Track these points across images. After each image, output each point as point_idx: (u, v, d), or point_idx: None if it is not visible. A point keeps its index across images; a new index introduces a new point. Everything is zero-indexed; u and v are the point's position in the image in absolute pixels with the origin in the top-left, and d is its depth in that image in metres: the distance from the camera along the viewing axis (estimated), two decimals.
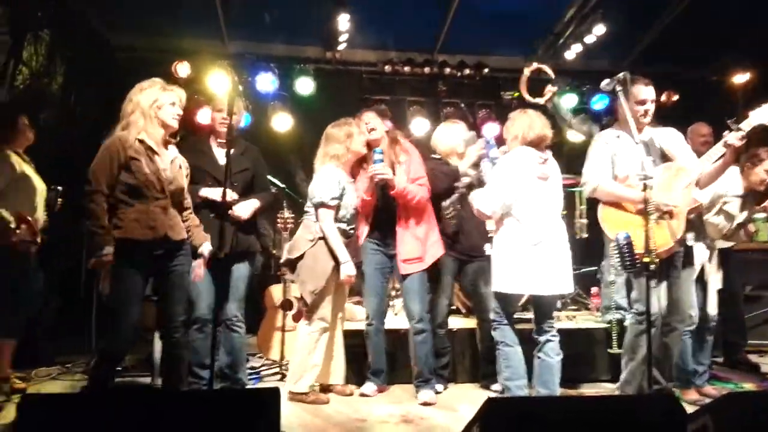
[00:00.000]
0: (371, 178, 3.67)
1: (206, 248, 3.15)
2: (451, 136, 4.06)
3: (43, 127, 4.66)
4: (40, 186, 3.86)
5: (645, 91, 3.39)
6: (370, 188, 3.73)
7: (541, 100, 5.26)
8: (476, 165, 3.89)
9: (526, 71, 5.34)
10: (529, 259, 3.23)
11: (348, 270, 3.62)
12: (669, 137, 3.46)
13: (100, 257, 2.77)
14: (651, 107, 3.40)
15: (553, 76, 5.48)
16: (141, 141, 2.91)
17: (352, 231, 3.78)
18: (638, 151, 2.99)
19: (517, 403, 2.03)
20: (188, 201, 3.18)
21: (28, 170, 3.83)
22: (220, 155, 3.59)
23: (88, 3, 5.42)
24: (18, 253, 3.60)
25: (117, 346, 2.84)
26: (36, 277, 3.85)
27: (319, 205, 3.65)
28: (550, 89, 5.59)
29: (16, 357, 3.82)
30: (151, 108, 2.95)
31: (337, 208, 3.66)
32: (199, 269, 3.14)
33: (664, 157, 3.43)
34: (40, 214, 3.83)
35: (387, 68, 6.31)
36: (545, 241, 3.25)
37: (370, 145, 3.81)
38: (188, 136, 3.94)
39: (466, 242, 3.91)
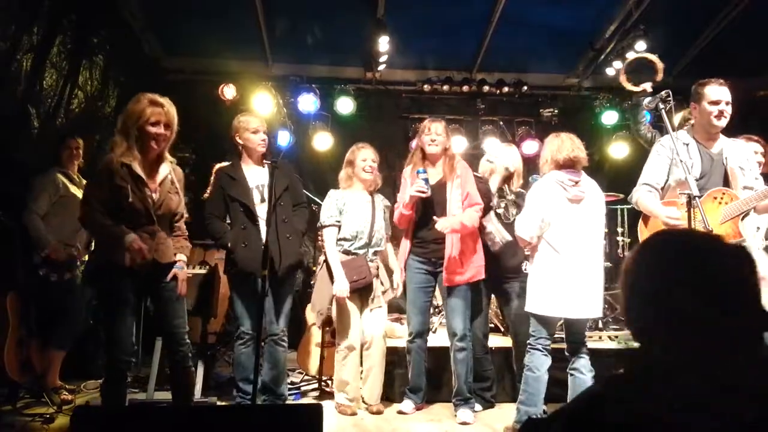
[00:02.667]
0: (412, 196, 3.70)
1: (178, 267, 3.01)
2: (505, 157, 4.06)
3: (98, 148, 4.89)
4: None
5: (718, 91, 3.18)
6: (411, 203, 3.76)
7: (635, 88, 5.02)
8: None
9: (631, 56, 5.13)
10: (560, 282, 3.22)
11: (338, 287, 3.73)
12: (739, 155, 3.24)
13: (129, 245, 2.76)
14: (726, 108, 3.17)
15: (659, 70, 5.18)
16: (127, 166, 2.84)
17: (357, 249, 3.87)
18: (696, 162, 2.92)
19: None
20: (178, 216, 3.08)
21: (76, 191, 4.02)
22: (251, 178, 3.58)
23: (143, 27, 5.67)
24: (60, 268, 3.80)
25: (115, 361, 2.80)
26: (84, 292, 3.99)
27: (319, 228, 3.95)
28: (645, 84, 5.34)
29: (66, 369, 3.98)
30: (134, 127, 2.86)
31: (339, 227, 3.87)
32: (180, 286, 2.99)
33: (726, 177, 3.22)
34: (84, 235, 3.97)
35: (426, 87, 6.38)
36: (578, 264, 3.23)
37: (426, 156, 3.84)
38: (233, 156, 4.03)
39: (503, 262, 3.89)
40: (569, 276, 3.22)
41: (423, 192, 3.64)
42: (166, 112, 2.89)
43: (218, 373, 4.59)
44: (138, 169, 2.85)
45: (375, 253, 3.92)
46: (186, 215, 3.16)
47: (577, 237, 3.28)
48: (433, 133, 3.79)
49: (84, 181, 4.11)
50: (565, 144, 3.42)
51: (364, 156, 4.00)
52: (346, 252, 3.85)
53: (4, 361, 3.53)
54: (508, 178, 4.02)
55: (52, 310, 3.87)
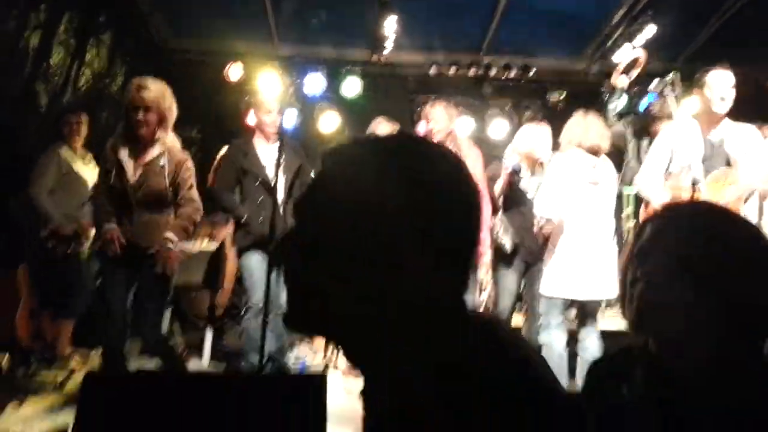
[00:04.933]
0: None
1: (168, 236, 3.01)
2: (531, 139, 3.96)
3: (105, 125, 4.91)
4: (93, 182, 4.08)
5: (721, 77, 3.18)
6: None
7: (620, 80, 5.01)
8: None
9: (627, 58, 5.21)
10: (575, 263, 3.23)
11: None
12: (741, 139, 3.23)
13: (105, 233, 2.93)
14: (729, 94, 3.16)
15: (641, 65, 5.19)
16: (115, 151, 2.96)
17: None
18: (698, 148, 2.93)
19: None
20: (182, 197, 3.08)
21: (81, 167, 4.08)
22: (263, 155, 3.64)
23: (150, 7, 5.66)
24: (66, 241, 3.89)
25: (108, 337, 2.95)
26: (91, 264, 4.09)
27: None
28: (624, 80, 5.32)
29: (77, 337, 4.07)
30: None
31: None
32: (161, 265, 3.00)
33: (728, 162, 3.23)
34: (89, 209, 4.01)
35: (433, 70, 6.36)
36: (593, 245, 3.25)
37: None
38: (239, 136, 4.06)
39: (533, 243, 3.79)
40: (584, 257, 3.23)
41: None
42: (152, 96, 2.91)
43: (225, 344, 4.65)
44: (121, 153, 2.94)
45: None
46: (192, 197, 3.16)
47: (593, 219, 3.29)
48: (432, 119, 3.78)
49: (89, 156, 4.16)
50: (592, 129, 3.38)
51: (384, 132, 3.90)
52: None
53: (17, 330, 3.67)
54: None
55: (60, 281, 3.95)
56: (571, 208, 3.28)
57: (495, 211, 3.86)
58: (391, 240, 0.68)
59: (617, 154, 3.65)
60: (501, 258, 3.87)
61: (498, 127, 6.14)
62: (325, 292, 0.71)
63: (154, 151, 3.01)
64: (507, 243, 3.80)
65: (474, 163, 3.78)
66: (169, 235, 2.99)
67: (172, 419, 1.09)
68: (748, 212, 3.24)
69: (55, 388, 3.43)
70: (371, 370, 0.74)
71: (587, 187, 3.32)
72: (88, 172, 4.09)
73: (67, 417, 2.64)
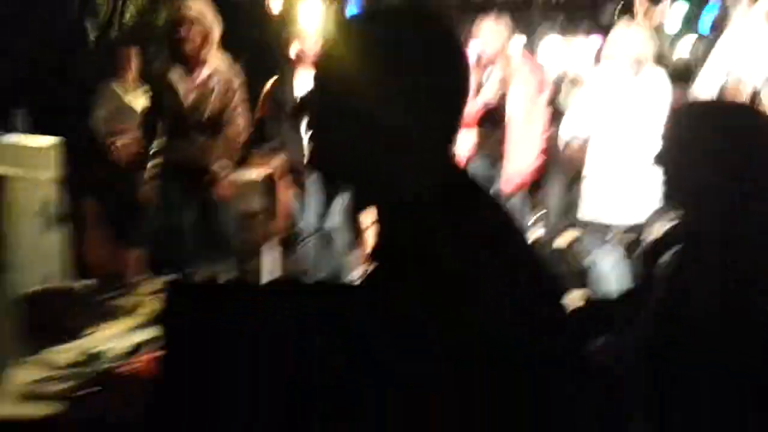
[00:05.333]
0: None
1: (220, 164, 3.06)
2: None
3: (152, 60, 4.94)
4: None
5: None
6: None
7: None
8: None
9: None
10: (611, 185, 3.11)
11: None
12: None
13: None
14: None
15: None
16: (165, 73, 2.95)
17: None
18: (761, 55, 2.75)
19: None
20: (226, 117, 3.05)
21: (133, 101, 4.13)
22: (307, 85, 3.62)
23: None
24: (129, 169, 3.95)
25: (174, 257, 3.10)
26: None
27: None
28: None
29: (156, 264, 4.27)
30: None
31: None
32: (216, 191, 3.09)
33: None
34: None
35: None
36: (630, 165, 3.09)
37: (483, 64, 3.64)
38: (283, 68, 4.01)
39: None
40: (621, 179, 3.11)
41: None
42: (192, 12, 2.86)
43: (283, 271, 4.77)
44: (171, 75, 2.91)
45: None
46: (235, 118, 3.13)
47: (631, 137, 3.11)
48: (481, 39, 3.61)
49: (140, 91, 4.21)
50: (637, 39, 3.17)
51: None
52: None
53: (88, 258, 3.86)
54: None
55: (126, 209, 4.10)
56: (605, 125, 3.10)
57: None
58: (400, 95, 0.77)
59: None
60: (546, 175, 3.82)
61: (550, 43, 5.89)
62: (347, 143, 0.81)
63: (204, 72, 2.97)
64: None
65: (531, 86, 3.59)
66: (222, 164, 3.04)
67: (257, 327, 1.10)
68: None
69: (126, 313, 3.60)
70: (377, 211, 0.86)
71: (625, 102, 3.12)
72: (141, 105, 4.16)
73: (142, 335, 2.77)
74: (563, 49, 3.98)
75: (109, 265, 4.06)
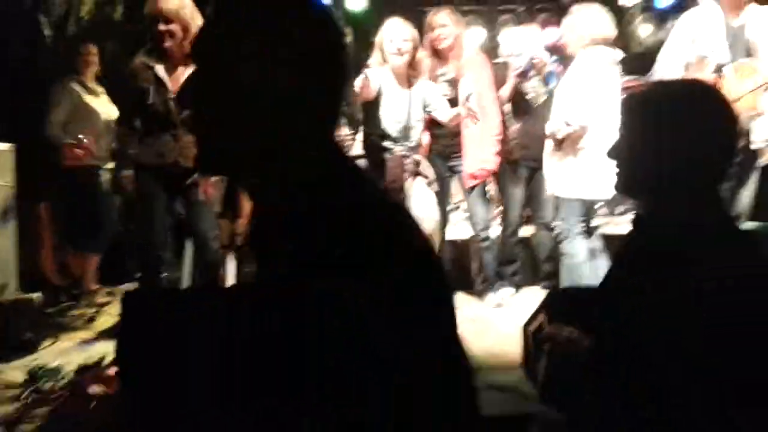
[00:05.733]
0: None
1: None
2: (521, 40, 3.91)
3: (110, 56, 4.83)
4: (107, 114, 4.04)
5: None
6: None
7: None
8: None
9: None
10: (595, 162, 3.13)
11: None
12: (765, 24, 3.03)
13: (119, 179, 3.03)
14: None
15: None
16: (149, 68, 2.86)
17: (396, 147, 3.42)
18: (720, 35, 2.78)
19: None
20: None
21: (93, 100, 4.04)
22: None
23: None
24: (84, 175, 3.90)
25: (149, 254, 3.00)
26: (109, 199, 4.12)
27: None
28: None
29: (103, 274, 4.16)
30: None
31: None
32: (200, 191, 3.03)
33: (750, 50, 3.07)
34: (105, 143, 4.01)
35: None
36: (604, 146, 3.14)
37: (438, 54, 3.61)
38: None
39: (538, 149, 3.69)
40: (596, 158, 3.13)
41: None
42: (170, 6, 2.79)
43: (247, 272, 4.73)
44: (160, 71, 2.84)
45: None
46: None
47: (609, 119, 3.12)
48: (437, 26, 3.55)
49: (101, 90, 4.11)
50: (602, 16, 3.18)
51: (391, 33, 3.33)
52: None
53: (43, 267, 3.75)
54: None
55: (81, 216, 4.01)
56: (596, 110, 3.08)
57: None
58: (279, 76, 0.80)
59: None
60: (505, 168, 3.87)
61: (510, 34, 5.92)
62: (228, 130, 0.84)
63: (190, 69, 2.90)
64: (516, 153, 3.80)
65: (479, 77, 3.59)
66: None
67: (217, 333, 1.07)
68: (766, 104, 3.08)
69: (85, 323, 3.53)
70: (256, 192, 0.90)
71: (609, 84, 3.12)
72: (101, 105, 4.07)
73: (101, 349, 2.72)
74: (525, 40, 3.93)
75: (64, 273, 3.96)
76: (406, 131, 3.41)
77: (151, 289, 2.61)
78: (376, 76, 3.29)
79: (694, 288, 1.07)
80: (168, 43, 2.82)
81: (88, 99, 4.02)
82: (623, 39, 6.14)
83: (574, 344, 1.31)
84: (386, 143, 3.41)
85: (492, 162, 3.70)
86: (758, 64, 3.03)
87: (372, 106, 3.37)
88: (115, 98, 4.06)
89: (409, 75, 3.39)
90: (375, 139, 3.44)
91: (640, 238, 1.31)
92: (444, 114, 3.49)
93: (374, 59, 3.40)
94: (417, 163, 3.47)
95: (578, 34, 3.21)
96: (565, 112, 3.17)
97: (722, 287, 1.06)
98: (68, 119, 3.92)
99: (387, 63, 3.35)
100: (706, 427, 1.07)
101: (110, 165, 4.07)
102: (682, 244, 1.15)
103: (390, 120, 3.37)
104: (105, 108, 4.07)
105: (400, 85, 3.38)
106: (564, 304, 1.50)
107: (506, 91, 3.79)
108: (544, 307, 1.52)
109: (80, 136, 3.77)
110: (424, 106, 3.45)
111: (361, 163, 3.42)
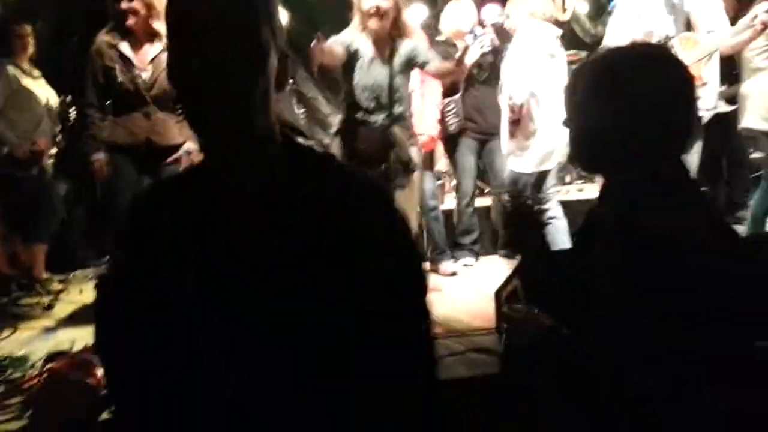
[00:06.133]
0: None
1: (184, 152, 3.00)
2: (456, 16, 3.96)
3: (40, 37, 4.59)
4: (46, 98, 3.92)
5: None
6: None
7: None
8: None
9: None
10: (551, 135, 3.30)
11: None
12: None
13: (92, 163, 2.98)
14: None
15: None
16: (113, 46, 2.85)
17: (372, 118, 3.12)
18: (659, 11, 2.92)
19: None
20: None
21: (30, 83, 3.87)
22: None
23: None
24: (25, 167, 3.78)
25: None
26: (57, 184, 4.05)
27: None
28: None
29: (54, 262, 4.08)
30: (111, 5, 2.86)
31: None
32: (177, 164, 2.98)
33: (689, 23, 3.19)
34: (47, 127, 3.92)
35: None
36: (553, 120, 3.32)
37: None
38: None
39: (485, 122, 3.94)
40: (547, 132, 3.32)
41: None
42: None
43: None
44: (125, 49, 2.82)
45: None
46: None
47: (553, 94, 3.30)
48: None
49: (37, 72, 3.94)
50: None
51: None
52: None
53: None
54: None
55: (25, 205, 3.88)
56: (543, 84, 3.28)
57: (453, 93, 3.91)
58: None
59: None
60: (452, 140, 4.02)
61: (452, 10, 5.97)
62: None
63: (156, 47, 2.90)
64: (454, 124, 3.93)
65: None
66: (189, 146, 2.96)
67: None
68: (709, 74, 3.22)
69: (43, 312, 3.46)
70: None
71: (549, 61, 3.33)
72: (39, 88, 3.91)
73: (69, 335, 2.68)
74: (470, 16, 3.99)
75: (14, 264, 3.85)
76: (384, 101, 3.10)
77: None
78: (344, 40, 3.02)
79: (658, 257, 1.09)
80: (131, 21, 2.81)
81: (26, 82, 3.85)
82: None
83: (532, 322, 1.33)
84: (360, 114, 3.11)
85: (433, 129, 3.86)
86: (698, 36, 3.15)
87: (347, 74, 3.09)
88: (58, 81, 3.94)
89: (393, 36, 3.07)
90: (351, 110, 3.15)
91: (604, 208, 1.33)
92: (436, 67, 3.20)
93: (353, 24, 3.09)
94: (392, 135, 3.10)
95: (521, 10, 3.41)
96: (513, 86, 3.34)
97: (688, 255, 1.09)
98: (6, 105, 3.74)
99: (367, 27, 3.03)
100: (666, 401, 1.09)
101: (52, 151, 3.97)
102: (642, 213, 1.16)
103: (365, 89, 3.08)
104: (44, 91, 3.92)
105: (379, 50, 3.08)
106: (536, 268, 1.60)
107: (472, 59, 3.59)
108: (517, 272, 1.63)
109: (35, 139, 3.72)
110: (415, 64, 3.16)
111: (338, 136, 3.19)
